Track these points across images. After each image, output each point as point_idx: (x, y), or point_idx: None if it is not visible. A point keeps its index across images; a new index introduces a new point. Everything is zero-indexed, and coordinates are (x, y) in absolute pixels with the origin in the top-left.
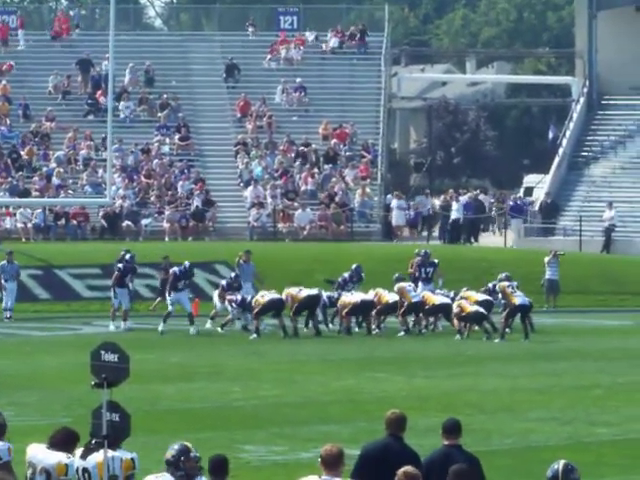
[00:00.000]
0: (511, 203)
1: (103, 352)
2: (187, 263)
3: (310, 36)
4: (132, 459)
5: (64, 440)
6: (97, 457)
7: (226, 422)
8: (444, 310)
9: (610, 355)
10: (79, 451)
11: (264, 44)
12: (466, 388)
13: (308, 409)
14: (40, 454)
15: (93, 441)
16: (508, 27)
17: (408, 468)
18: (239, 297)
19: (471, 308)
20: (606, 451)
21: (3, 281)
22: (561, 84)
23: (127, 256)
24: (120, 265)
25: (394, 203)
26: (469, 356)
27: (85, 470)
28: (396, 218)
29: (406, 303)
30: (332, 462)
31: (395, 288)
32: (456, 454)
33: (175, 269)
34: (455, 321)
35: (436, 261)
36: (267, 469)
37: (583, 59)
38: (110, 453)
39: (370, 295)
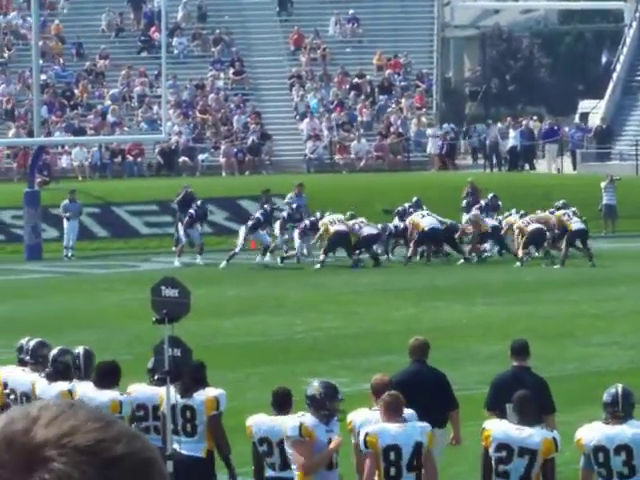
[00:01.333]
0: (567, 129)
1: (164, 288)
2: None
3: None
4: (216, 397)
5: (108, 374)
6: (202, 394)
7: (287, 355)
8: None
9: None
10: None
11: None
12: (526, 315)
13: (368, 340)
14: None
15: (155, 376)
16: None
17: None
18: (307, 222)
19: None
20: None
21: (65, 220)
22: (614, 9)
23: (198, 202)
24: (192, 211)
25: (429, 131)
26: (528, 283)
27: (188, 407)
28: (430, 147)
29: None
30: (383, 392)
31: (471, 216)
32: (525, 375)
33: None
34: (516, 245)
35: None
36: None
37: None
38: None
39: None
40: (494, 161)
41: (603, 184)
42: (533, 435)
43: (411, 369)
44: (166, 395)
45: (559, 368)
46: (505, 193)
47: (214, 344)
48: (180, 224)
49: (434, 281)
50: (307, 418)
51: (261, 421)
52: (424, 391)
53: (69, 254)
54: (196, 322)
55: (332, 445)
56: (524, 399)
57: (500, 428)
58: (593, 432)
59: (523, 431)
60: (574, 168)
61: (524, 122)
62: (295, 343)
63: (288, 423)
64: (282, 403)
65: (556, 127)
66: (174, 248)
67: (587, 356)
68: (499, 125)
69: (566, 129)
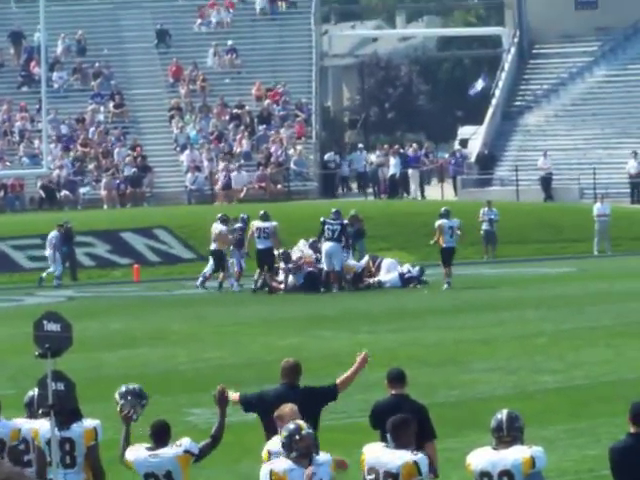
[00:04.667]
0: (446, 156)
1: (45, 322)
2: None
3: None
4: (94, 428)
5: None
6: (80, 426)
7: (171, 386)
8: None
9: (552, 303)
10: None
11: (194, 8)
12: (410, 342)
13: (252, 369)
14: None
15: (40, 411)
16: None
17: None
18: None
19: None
20: (552, 399)
21: (50, 250)
22: (491, 35)
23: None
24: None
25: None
26: (412, 310)
27: (67, 439)
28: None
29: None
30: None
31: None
32: (403, 403)
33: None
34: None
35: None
36: None
37: (512, 8)
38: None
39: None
40: (375, 189)
41: (482, 212)
42: (395, 459)
43: (278, 390)
44: (51, 428)
45: (444, 395)
46: (386, 220)
47: (97, 377)
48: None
49: (317, 310)
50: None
51: (142, 456)
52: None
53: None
54: (79, 355)
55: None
56: (396, 424)
57: (372, 452)
58: (480, 457)
59: (392, 455)
60: (455, 193)
61: (405, 149)
62: (178, 374)
63: (169, 453)
64: (161, 435)
65: (433, 153)
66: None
67: (471, 382)
68: (378, 153)
69: (445, 155)
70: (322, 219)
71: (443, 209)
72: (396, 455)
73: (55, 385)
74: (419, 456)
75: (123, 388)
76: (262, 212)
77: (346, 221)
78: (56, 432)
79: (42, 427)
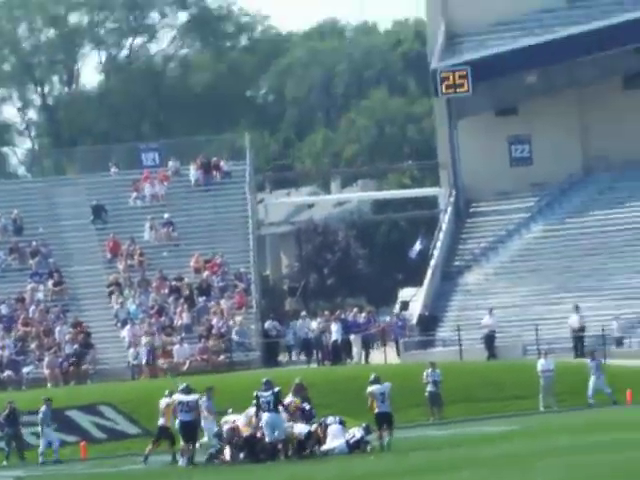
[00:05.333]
0: (387, 319)
1: None
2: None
3: (173, 170)
4: None
5: None
6: None
7: None
8: None
9: (500, 462)
10: None
11: (128, 182)
12: None
13: None
14: None
15: None
16: (369, 143)
17: None
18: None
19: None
20: None
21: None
22: (427, 196)
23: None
24: None
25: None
26: (358, 475)
27: None
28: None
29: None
30: None
31: None
32: None
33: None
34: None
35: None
36: None
37: (447, 169)
38: None
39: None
40: (318, 355)
41: (425, 373)
42: None
43: None
44: None
45: None
46: (330, 388)
47: None
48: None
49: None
50: None
51: None
52: None
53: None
54: None
55: None
56: None
57: None
58: None
59: None
60: (398, 356)
61: (346, 314)
62: None
63: None
64: None
65: (374, 318)
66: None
67: None
68: (319, 319)
69: (387, 319)
70: (255, 393)
71: (372, 375)
72: None
73: None
74: None
75: None
76: (184, 385)
77: (278, 389)
78: None
79: None
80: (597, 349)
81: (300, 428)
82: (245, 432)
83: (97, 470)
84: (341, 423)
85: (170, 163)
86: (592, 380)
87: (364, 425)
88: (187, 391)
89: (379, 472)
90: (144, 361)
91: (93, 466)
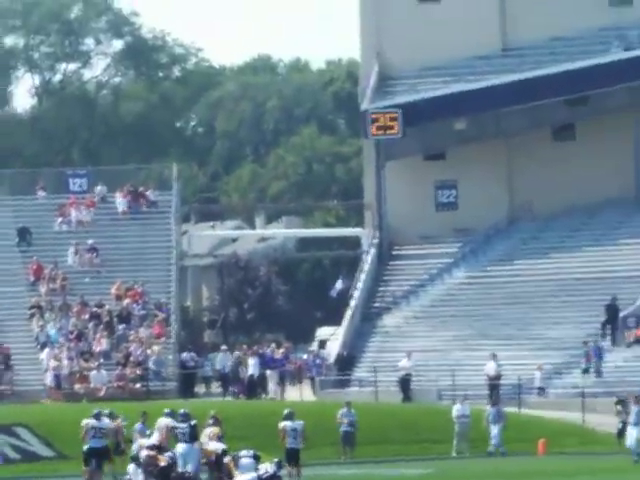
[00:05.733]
0: (305, 357)
1: None
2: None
3: (100, 196)
4: None
5: None
6: None
7: None
8: None
9: None
10: None
11: (54, 207)
12: None
13: None
14: None
15: None
16: (297, 180)
17: None
18: None
19: None
20: None
21: None
22: (351, 236)
23: None
24: None
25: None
26: None
27: None
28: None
29: None
30: None
31: None
32: None
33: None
34: None
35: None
36: None
37: (372, 210)
38: None
39: None
40: (234, 389)
41: (341, 412)
42: None
43: None
44: None
45: None
46: (245, 422)
47: None
48: None
49: None
50: None
51: None
52: None
53: None
54: None
55: None
56: None
57: None
58: None
59: None
60: (313, 393)
61: (263, 349)
62: None
63: None
64: None
65: (291, 354)
66: None
67: None
68: (236, 353)
69: (305, 356)
70: (172, 424)
71: (287, 411)
72: None
73: None
74: None
75: None
76: (97, 411)
77: (194, 421)
78: None
79: None
80: (498, 396)
81: (215, 445)
82: (162, 462)
83: None
84: (254, 457)
85: (98, 188)
86: (494, 428)
87: (276, 461)
88: (99, 416)
89: None
90: (50, 384)
91: None
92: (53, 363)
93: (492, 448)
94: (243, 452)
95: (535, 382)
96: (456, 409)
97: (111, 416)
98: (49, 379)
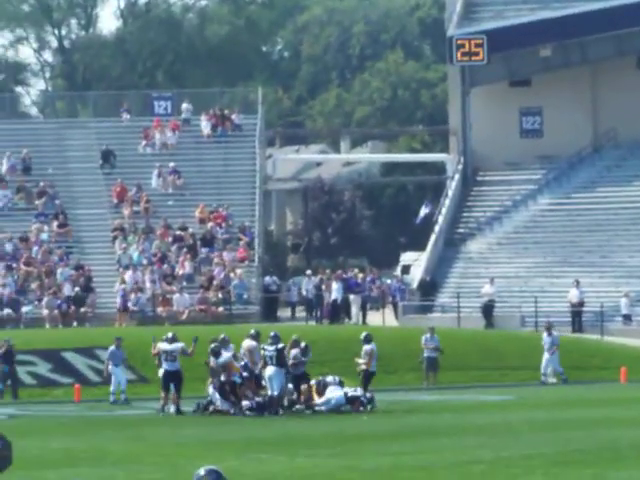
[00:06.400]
0: (388, 282)
1: None
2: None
3: (184, 116)
4: None
5: None
6: None
7: None
8: None
9: (492, 430)
10: None
11: (139, 129)
12: (348, 467)
13: None
14: None
15: None
16: (382, 105)
17: None
18: None
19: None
20: None
21: (111, 365)
22: (436, 161)
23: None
24: None
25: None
26: (350, 435)
27: None
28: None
29: None
30: None
31: None
32: None
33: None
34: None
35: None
36: None
37: (457, 136)
38: None
39: None
40: (317, 314)
41: (424, 338)
42: None
43: None
44: None
45: None
46: (328, 346)
47: None
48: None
49: (256, 433)
50: None
51: None
52: None
53: (121, 398)
54: (19, 474)
55: None
56: None
57: None
58: None
59: None
60: (396, 318)
61: (347, 274)
62: None
63: None
64: None
65: (376, 279)
66: None
67: None
68: (320, 277)
69: (388, 281)
70: (261, 346)
71: (363, 334)
72: None
73: None
74: None
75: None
76: (170, 334)
77: (282, 345)
78: None
79: None
80: (553, 324)
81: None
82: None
83: (90, 413)
84: (340, 383)
85: (184, 106)
86: (545, 357)
87: (360, 389)
88: (172, 340)
89: (372, 433)
90: (132, 307)
91: (86, 409)
92: (134, 286)
93: (543, 378)
94: (329, 378)
95: (621, 309)
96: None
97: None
98: (130, 302)
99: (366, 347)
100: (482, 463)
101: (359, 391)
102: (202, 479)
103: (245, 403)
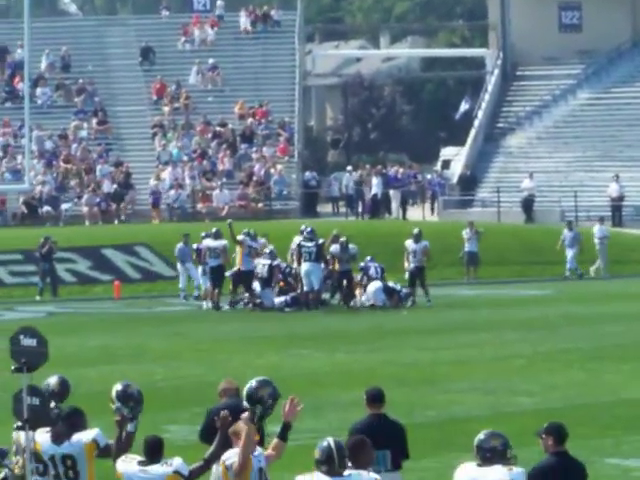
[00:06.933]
0: (428, 176)
1: (22, 337)
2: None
3: (219, 14)
4: (94, 440)
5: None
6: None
7: (148, 403)
8: None
9: (531, 324)
10: (45, 436)
11: (178, 26)
12: (387, 362)
13: None
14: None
15: (15, 425)
16: (421, 1)
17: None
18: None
19: None
20: (528, 420)
21: (180, 263)
22: (475, 56)
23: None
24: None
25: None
26: (390, 330)
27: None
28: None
29: None
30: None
31: None
32: (381, 422)
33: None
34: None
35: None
36: (191, 448)
37: (496, 31)
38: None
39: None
40: (358, 209)
41: (465, 232)
42: (490, 476)
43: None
44: (26, 443)
45: (421, 415)
46: (368, 241)
47: (75, 393)
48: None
49: (296, 329)
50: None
51: (132, 470)
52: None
53: (193, 294)
54: (58, 371)
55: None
56: (354, 445)
57: (465, 472)
58: (464, 473)
59: (487, 472)
60: (432, 213)
61: (387, 169)
62: (156, 392)
63: (159, 471)
64: (153, 451)
65: (417, 174)
66: (38, 297)
67: (448, 403)
68: (360, 172)
69: (428, 176)
70: (298, 241)
71: (415, 230)
72: (491, 472)
73: (30, 400)
74: (514, 472)
75: (120, 387)
76: (214, 230)
77: (322, 240)
78: (31, 445)
79: (44, 442)
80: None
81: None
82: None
83: (129, 310)
84: (382, 272)
85: (218, 2)
86: (570, 252)
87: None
88: (216, 236)
89: (412, 327)
90: (172, 204)
91: (126, 306)
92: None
93: (567, 272)
94: (372, 270)
95: None
96: (597, 229)
97: (217, 236)
98: (169, 199)
99: (423, 243)
100: (521, 357)
101: (397, 285)
102: (256, 391)
103: (279, 300)
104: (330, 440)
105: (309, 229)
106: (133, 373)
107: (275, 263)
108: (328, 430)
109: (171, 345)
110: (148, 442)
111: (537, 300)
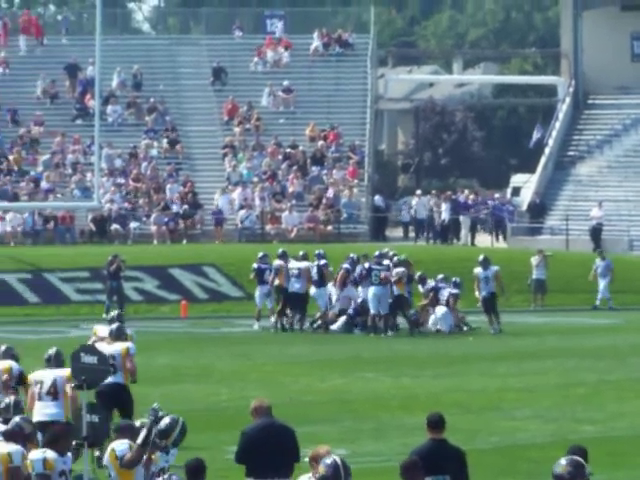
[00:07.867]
0: (492, 203)
1: (83, 354)
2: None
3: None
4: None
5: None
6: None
7: (212, 423)
8: None
9: (597, 353)
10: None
11: (251, 47)
12: (453, 388)
13: (294, 409)
14: None
15: (74, 442)
16: (495, 28)
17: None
18: None
19: None
20: (591, 449)
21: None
22: (547, 84)
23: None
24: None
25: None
26: (456, 356)
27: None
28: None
29: None
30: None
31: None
32: (441, 448)
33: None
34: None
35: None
36: None
37: (569, 59)
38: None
39: None
40: (427, 234)
41: (534, 259)
42: None
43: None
44: (84, 460)
45: (483, 441)
46: (437, 266)
47: (140, 411)
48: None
49: (361, 352)
50: None
51: None
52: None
53: None
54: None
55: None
56: (406, 466)
57: None
58: None
59: None
60: (497, 240)
61: (456, 195)
62: (219, 412)
63: None
64: (196, 474)
65: (488, 200)
66: (104, 315)
67: (512, 429)
68: (429, 197)
69: (497, 203)
70: (367, 265)
71: (481, 257)
72: None
73: (90, 417)
74: None
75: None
76: (301, 253)
77: (390, 263)
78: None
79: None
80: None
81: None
82: None
83: (196, 330)
84: (456, 285)
85: (277, 24)
86: (602, 282)
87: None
88: (302, 259)
89: (478, 354)
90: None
91: (192, 325)
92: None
93: (598, 302)
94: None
95: None
96: None
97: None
98: (238, 219)
99: (494, 269)
100: (586, 386)
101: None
102: (338, 468)
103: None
104: (336, 457)
105: (378, 253)
106: (198, 393)
107: (323, 262)
108: (389, 454)
109: (237, 366)
110: (190, 465)
111: (605, 329)
